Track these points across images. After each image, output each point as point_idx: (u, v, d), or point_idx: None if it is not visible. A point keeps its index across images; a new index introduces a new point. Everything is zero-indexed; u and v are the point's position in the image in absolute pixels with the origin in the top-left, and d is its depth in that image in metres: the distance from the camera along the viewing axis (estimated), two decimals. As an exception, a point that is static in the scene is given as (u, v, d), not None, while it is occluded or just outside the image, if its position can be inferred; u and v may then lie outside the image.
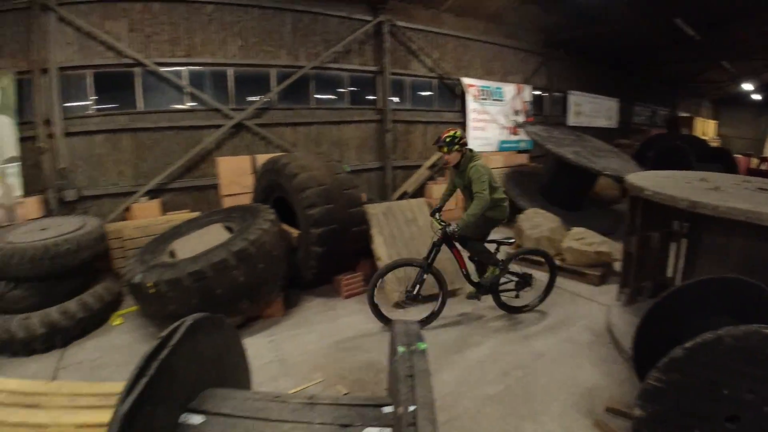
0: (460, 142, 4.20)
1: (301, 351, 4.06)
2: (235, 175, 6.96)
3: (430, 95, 9.56)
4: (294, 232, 5.31)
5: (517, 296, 4.58)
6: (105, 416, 2.73)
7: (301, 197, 4.94)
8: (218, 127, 7.19)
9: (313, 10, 7.88)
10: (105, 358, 4.25)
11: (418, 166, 9.05)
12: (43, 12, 6.25)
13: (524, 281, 4.58)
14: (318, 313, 4.76)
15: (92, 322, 4.78)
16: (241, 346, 2.67)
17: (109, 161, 6.73)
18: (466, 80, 9.65)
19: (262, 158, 6.77)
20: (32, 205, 6.14)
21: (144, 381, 1.67)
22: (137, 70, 6.80)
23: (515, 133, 10.52)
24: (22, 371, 3.93)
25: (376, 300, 4.24)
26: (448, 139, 4.17)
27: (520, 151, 10.60)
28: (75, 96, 6.64)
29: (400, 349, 1.79)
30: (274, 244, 4.59)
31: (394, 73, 8.67)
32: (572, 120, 13.05)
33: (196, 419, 1.90)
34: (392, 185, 8.79)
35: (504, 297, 4.53)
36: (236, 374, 2.50)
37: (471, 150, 4.28)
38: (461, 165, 4.25)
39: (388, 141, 8.62)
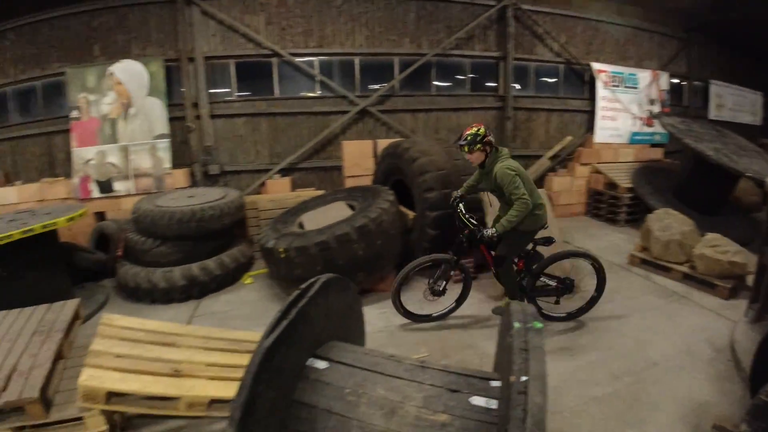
0: (483, 141, 3.71)
1: (409, 326, 4.27)
2: (358, 158, 7.27)
3: (555, 82, 9.18)
4: (410, 213, 5.48)
5: (557, 302, 4.21)
6: (233, 359, 3.04)
7: (419, 181, 5.12)
8: (344, 113, 7.59)
9: None
10: (235, 311, 4.78)
11: (539, 156, 8.73)
12: (187, 6, 7.08)
13: (565, 287, 4.15)
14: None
15: (226, 280, 5.43)
16: (360, 310, 2.90)
17: (248, 141, 7.44)
18: (596, 65, 9.12)
19: (382, 143, 7.01)
20: (179, 176, 7.01)
21: (285, 323, 1.87)
22: (274, 60, 7.42)
23: (649, 125, 9.69)
24: (160, 315, 4.49)
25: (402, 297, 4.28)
26: (469, 137, 3.72)
27: (653, 145, 9.73)
28: (219, 82, 7.43)
29: (516, 324, 1.80)
30: (392, 223, 4.86)
31: (517, 59, 8.47)
32: (713, 113, 11.69)
33: (321, 364, 2.10)
34: (510, 175, 8.55)
35: (541, 302, 4.23)
36: (354, 333, 2.70)
37: (497, 149, 3.80)
38: (486, 165, 3.80)
39: (508, 129, 8.44)
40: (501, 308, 4.25)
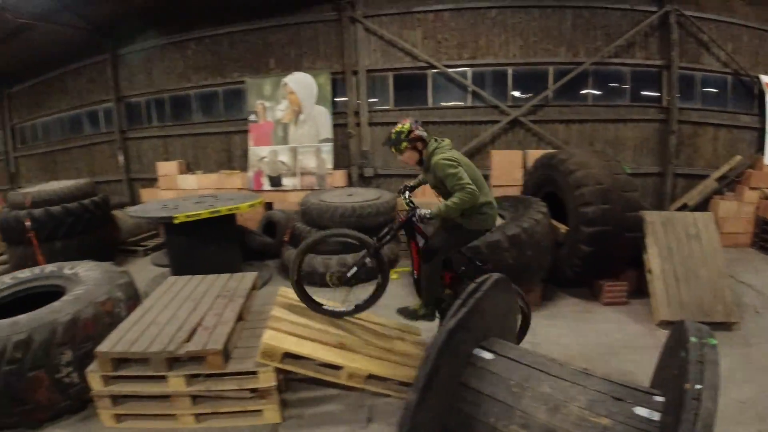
0: (409, 138, 3.34)
1: (553, 341, 4.21)
2: (506, 167, 7.44)
3: (721, 94, 8.58)
4: (562, 228, 5.42)
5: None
6: (385, 342, 3.50)
7: (575, 194, 5.03)
8: (495, 122, 7.82)
9: (593, 4, 7.93)
10: (381, 301, 5.06)
11: (704, 176, 8.20)
12: (352, 24, 7.84)
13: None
14: (573, 312, 4.79)
15: (375, 272, 5.92)
16: (516, 312, 3.04)
17: (401, 148, 7.98)
18: (765, 78, 8.39)
19: (532, 154, 7.11)
20: (339, 177, 7.82)
21: (464, 310, 2.08)
22: (429, 71, 7.90)
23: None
24: (317, 296, 5.03)
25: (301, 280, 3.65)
26: (393, 137, 3.38)
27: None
28: (378, 93, 8.09)
29: (693, 339, 1.86)
30: (543, 235, 4.83)
31: (682, 68, 8.09)
32: None
33: (487, 355, 2.26)
34: (671, 195, 8.13)
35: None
36: (511, 333, 2.85)
37: (435, 140, 3.43)
38: (425, 162, 3.43)
39: (671, 144, 8.05)
40: (408, 310, 3.77)
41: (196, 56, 9.01)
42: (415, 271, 3.69)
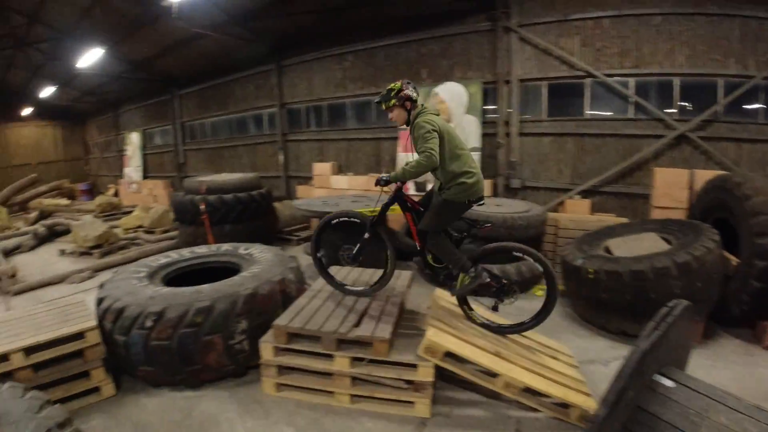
0: (398, 95, 3.51)
1: (714, 383, 3.94)
2: (670, 187, 7.10)
3: None
4: (732, 259, 5.02)
5: (494, 308, 3.79)
6: (538, 357, 3.60)
7: (751, 223, 4.66)
8: (658, 137, 7.51)
9: (760, 14, 7.24)
10: (526, 317, 4.94)
11: None
12: (506, 33, 7.98)
13: (502, 288, 3.73)
14: (733, 353, 4.43)
15: (519, 287, 5.95)
16: (691, 343, 2.97)
17: (552, 160, 8.02)
18: None
19: (701, 174, 6.71)
20: (485, 185, 7.95)
21: (657, 333, 2.14)
22: (587, 81, 7.80)
23: None
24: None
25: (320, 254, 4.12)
26: (384, 92, 3.59)
27: None
28: (530, 103, 8.18)
29: None
30: (715, 266, 4.54)
31: None
32: None
33: (668, 382, 2.27)
34: None
35: (476, 305, 3.91)
36: (683, 363, 2.78)
37: (423, 105, 3.58)
38: (410, 123, 3.56)
39: None
40: (460, 289, 3.79)
41: (353, 67, 9.87)
42: (417, 243, 3.87)
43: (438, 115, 3.61)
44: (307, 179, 10.56)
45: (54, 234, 11.04)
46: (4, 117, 21.03)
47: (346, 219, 4.02)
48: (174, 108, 15.52)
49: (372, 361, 3.37)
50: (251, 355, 3.73)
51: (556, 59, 7.92)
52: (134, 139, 17.79)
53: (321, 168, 9.86)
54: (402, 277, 4.57)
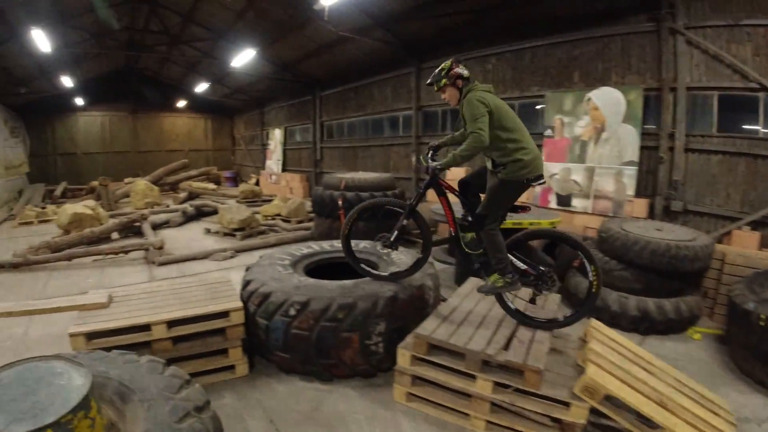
0: (449, 74, 3.59)
1: None
2: None
3: None
4: None
5: (533, 300, 3.78)
6: (702, 412, 3.04)
7: None
8: None
9: None
10: (680, 363, 4.51)
11: None
12: (672, 36, 7.21)
13: (540, 277, 3.66)
14: None
15: (674, 326, 5.35)
16: None
17: (720, 183, 7.13)
18: None
19: None
20: (639, 206, 7.37)
21: None
22: (760, 95, 6.82)
23: None
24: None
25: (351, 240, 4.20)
26: (435, 72, 3.67)
27: None
28: (699, 115, 7.36)
29: None
30: None
31: None
32: None
33: None
34: None
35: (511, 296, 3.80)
36: None
37: (474, 81, 3.61)
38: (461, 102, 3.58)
39: None
40: (489, 286, 3.68)
41: (495, 70, 9.70)
42: (451, 229, 3.92)
43: (489, 91, 3.59)
44: (439, 183, 10.63)
45: (201, 214, 12.40)
46: (162, 107, 24.10)
47: (387, 207, 4.22)
48: (315, 108, 16.60)
49: (518, 390, 3.18)
50: (384, 358, 3.83)
51: (728, 67, 7.02)
52: (277, 134, 19.51)
53: (454, 173, 9.82)
54: (551, 300, 4.31)
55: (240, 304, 3.88)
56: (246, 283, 4.20)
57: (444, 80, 3.64)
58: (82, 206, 10.74)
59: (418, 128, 11.48)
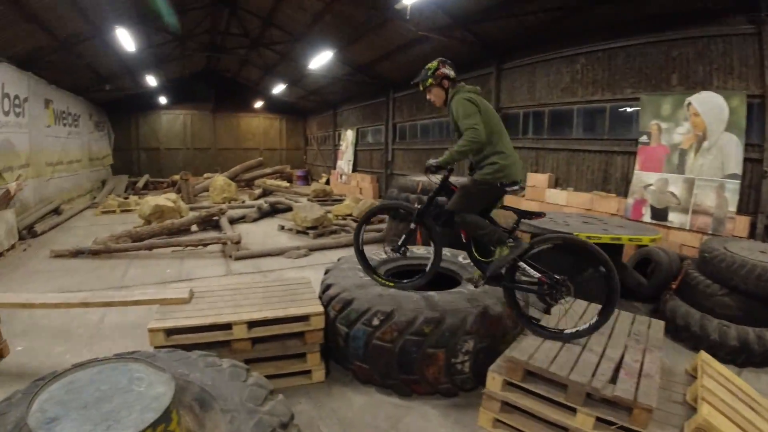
0: (435, 74, 3.69)
1: None
2: None
3: None
4: None
5: (547, 310, 3.73)
6: None
7: None
8: None
9: None
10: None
11: None
12: None
13: (556, 286, 3.45)
14: None
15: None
16: None
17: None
18: None
19: None
20: (740, 224, 6.78)
21: None
22: None
23: None
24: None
25: (362, 247, 4.27)
26: (421, 74, 3.76)
27: None
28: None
29: None
30: None
31: None
32: None
33: None
34: None
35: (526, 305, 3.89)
36: None
37: (460, 82, 3.74)
38: (449, 104, 3.68)
39: None
40: (497, 261, 3.63)
41: (584, 70, 9.28)
42: (462, 236, 3.86)
43: (476, 93, 3.67)
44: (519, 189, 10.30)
45: (275, 210, 12.87)
46: (240, 108, 25.54)
47: (402, 210, 4.38)
48: (387, 109, 16.71)
49: (623, 428, 2.91)
50: (469, 378, 3.69)
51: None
52: (349, 135, 19.87)
53: (535, 179, 9.52)
54: (655, 327, 3.97)
55: (321, 308, 3.83)
56: (326, 287, 4.20)
57: (430, 80, 3.73)
58: (164, 198, 11.45)
59: (498, 131, 11.14)
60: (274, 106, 25.55)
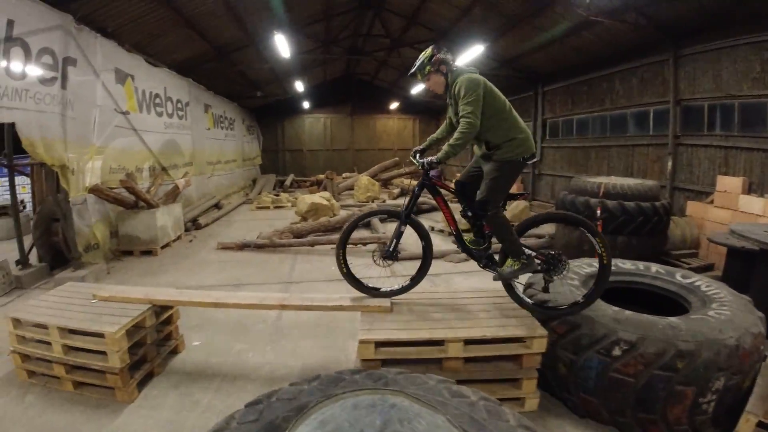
0: (431, 61, 3.74)
1: None
2: None
3: None
4: None
5: (545, 289, 3.75)
6: None
7: None
8: None
9: None
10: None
11: None
12: None
13: (550, 263, 3.73)
14: None
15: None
16: None
17: None
18: None
19: None
20: None
21: None
22: None
23: None
24: None
25: (350, 262, 4.17)
26: (417, 63, 3.81)
27: None
28: None
29: None
30: None
31: None
32: None
33: None
34: None
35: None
36: None
37: (461, 66, 3.78)
38: (450, 87, 3.71)
39: None
40: (507, 272, 3.73)
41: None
42: (452, 227, 3.96)
43: (477, 73, 3.66)
44: (702, 194, 9.15)
45: (419, 210, 13.18)
46: (374, 109, 27.00)
47: (378, 216, 4.51)
48: (536, 104, 16.08)
49: None
50: (708, 419, 3.23)
51: None
52: None
53: (727, 183, 8.32)
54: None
55: (545, 331, 3.52)
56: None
57: (428, 67, 3.77)
58: (319, 197, 12.32)
59: (676, 126, 10.04)
60: (408, 107, 26.52)
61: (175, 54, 12.24)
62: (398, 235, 4.00)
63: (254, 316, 5.51)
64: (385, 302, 3.97)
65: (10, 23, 6.55)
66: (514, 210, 11.03)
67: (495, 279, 3.86)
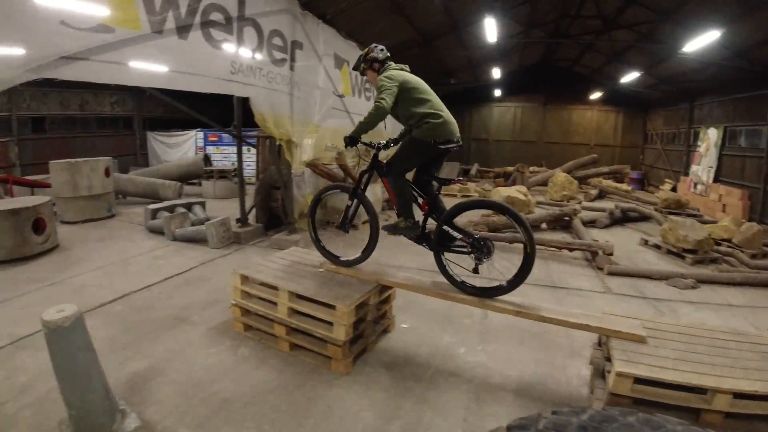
0: (366, 59, 4.62)
1: None
2: None
3: None
4: None
5: (475, 270, 4.24)
6: None
7: None
8: None
9: None
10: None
11: None
12: None
13: (475, 246, 4.22)
14: None
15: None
16: None
17: None
18: None
19: None
20: None
21: None
22: None
23: None
24: None
25: (320, 235, 5.15)
26: (356, 61, 4.72)
27: None
28: None
29: None
30: None
31: None
32: None
33: None
34: None
35: (455, 265, 4.40)
36: None
37: (389, 63, 4.60)
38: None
39: None
40: (392, 226, 4.61)
41: None
42: (393, 204, 4.64)
43: (403, 69, 4.53)
44: None
45: (626, 218, 12.53)
46: (572, 99, 25.73)
47: (334, 190, 5.17)
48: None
49: None
50: None
51: None
52: (711, 135, 17.27)
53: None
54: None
55: None
56: None
57: (363, 65, 4.64)
58: (515, 190, 12.53)
59: None
60: (611, 98, 24.39)
61: (383, 41, 13.26)
62: (348, 209, 4.83)
63: (460, 308, 5.47)
64: (638, 329, 3.73)
65: (242, 3, 7.63)
66: (744, 232, 9.81)
67: (383, 228, 4.72)
